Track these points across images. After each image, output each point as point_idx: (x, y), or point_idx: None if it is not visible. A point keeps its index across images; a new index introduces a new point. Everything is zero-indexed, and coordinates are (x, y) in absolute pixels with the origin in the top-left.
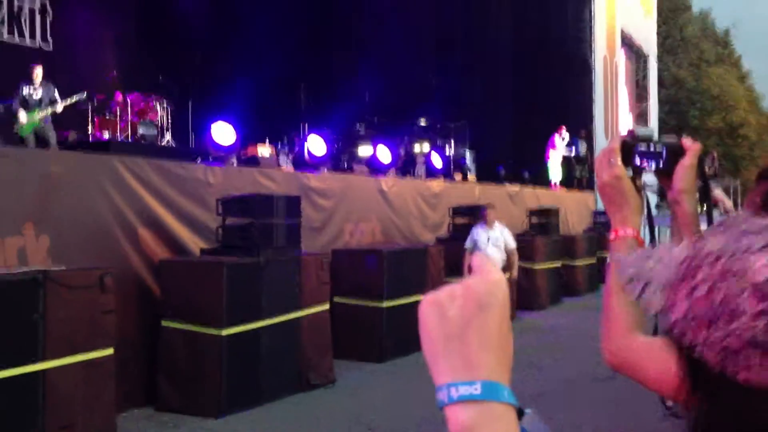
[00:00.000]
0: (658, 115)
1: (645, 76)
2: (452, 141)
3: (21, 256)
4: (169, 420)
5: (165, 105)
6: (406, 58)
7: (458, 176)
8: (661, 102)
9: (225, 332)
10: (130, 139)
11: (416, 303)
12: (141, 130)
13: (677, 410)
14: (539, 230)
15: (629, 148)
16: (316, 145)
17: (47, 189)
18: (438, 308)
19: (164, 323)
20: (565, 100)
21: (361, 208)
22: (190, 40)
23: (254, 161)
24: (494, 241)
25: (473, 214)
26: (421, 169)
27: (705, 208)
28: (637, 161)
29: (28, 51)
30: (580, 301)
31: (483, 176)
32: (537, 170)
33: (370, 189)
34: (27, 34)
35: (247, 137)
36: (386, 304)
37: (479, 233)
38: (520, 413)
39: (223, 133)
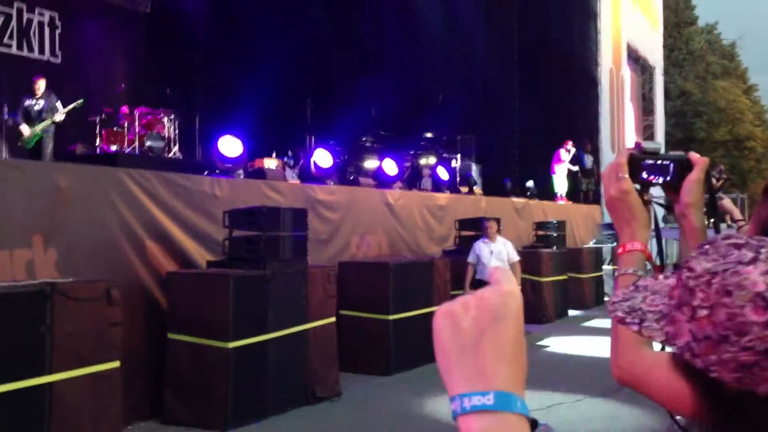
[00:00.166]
0: (665, 127)
1: (651, 89)
2: (458, 154)
3: (29, 269)
4: None
5: (172, 118)
6: (412, 72)
7: (464, 189)
8: (668, 114)
9: (231, 345)
10: (137, 152)
11: (423, 316)
12: (148, 143)
13: (685, 424)
14: (546, 243)
15: (636, 162)
16: (322, 158)
17: (55, 201)
18: (452, 319)
19: (170, 336)
20: (571, 113)
21: (368, 220)
22: (198, 54)
23: (261, 174)
24: (497, 255)
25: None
26: (427, 182)
27: (712, 222)
28: (645, 175)
29: (37, 64)
30: (587, 314)
31: (489, 189)
32: (543, 184)
33: (376, 202)
34: (36, 47)
35: (254, 150)
36: (393, 316)
37: (481, 247)
38: (534, 424)
39: (230, 146)
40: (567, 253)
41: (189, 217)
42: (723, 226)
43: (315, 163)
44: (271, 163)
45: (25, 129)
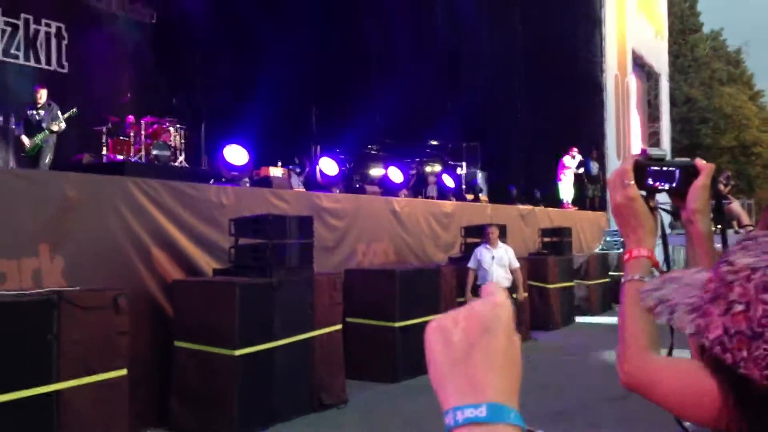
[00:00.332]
0: (671, 134)
1: (657, 96)
2: (464, 161)
3: (36, 277)
4: None
5: (178, 127)
6: (417, 80)
7: (470, 196)
8: (673, 121)
9: (238, 352)
10: (143, 161)
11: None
12: (154, 152)
13: (693, 430)
14: (552, 250)
15: (642, 168)
16: (327, 166)
17: (62, 210)
18: (442, 333)
19: (177, 343)
20: (577, 120)
21: (374, 228)
22: (203, 63)
23: (266, 182)
24: (498, 261)
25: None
26: (432, 189)
27: (719, 228)
28: (650, 182)
29: (44, 74)
30: (594, 320)
31: (495, 196)
32: (549, 190)
33: (382, 209)
34: (43, 57)
35: (260, 159)
36: (399, 324)
37: (483, 253)
38: None
39: (235, 154)
40: (573, 260)
41: (195, 226)
42: (730, 232)
43: (320, 171)
44: (276, 171)
45: (25, 139)
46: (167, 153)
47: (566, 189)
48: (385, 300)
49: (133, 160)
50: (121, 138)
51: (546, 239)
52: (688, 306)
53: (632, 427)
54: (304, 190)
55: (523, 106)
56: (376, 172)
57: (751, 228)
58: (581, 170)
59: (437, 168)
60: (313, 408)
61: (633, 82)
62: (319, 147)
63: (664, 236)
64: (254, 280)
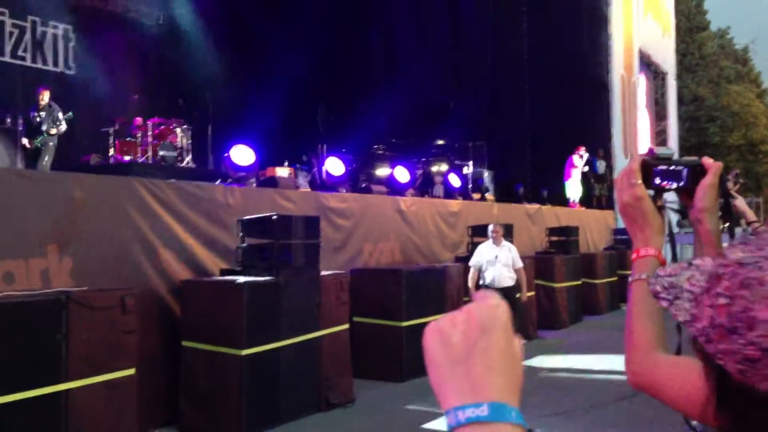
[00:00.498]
0: (678, 132)
1: (664, 95)
2: (470, 161)
3: (44, 278)
4: None
5: (185, 128)
6: (423, 79)
7: (476, 196)
8: (681, 119)
9: (245, 352)
10: (150, 162)
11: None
12: (161, 153)
13: (701, 429)
14: (559, 249)
15: (649, 168)
16: (334, 166)
17: (70, 211)
18: (441, 335)
19: (185, 343)
20: (583, 119)
21: (380, 227)
22: (209, 63)
23: (273, 182)
24: (501, 260)
25: None
26: (439, 189)
27: (727, 226)
28: (658, 181)
29: (52, 76)
30: (601, 319)
31: (501, 195)
32: (555, 189)
33: (388, 209)
34: (50, 59)
35: (266, 159)
36: (406, 323)
37: (486, 251)
38: None
39: (242, 155)
40: (581, 259)
41: (202, 226)
42: (738, 230)
43: (327, 171)
44: (283, 171)
45: (26, 141)
46: (174, 154)
47: (574, 188)
48: (392, 299)
49: (140, 160)
50: (129, 139)
51: (553, 238)
52: (691, 294)
53: (640, 426)
54: (310, 189)
55: (529, 105)
56: (382, 171)
57: (758, 225)
58: (587, 169)
59: (444, 167)
60: (320, 407)
61: (642, 82)
62: (325, 147)
63: (671, 235)
64: (261, 280)
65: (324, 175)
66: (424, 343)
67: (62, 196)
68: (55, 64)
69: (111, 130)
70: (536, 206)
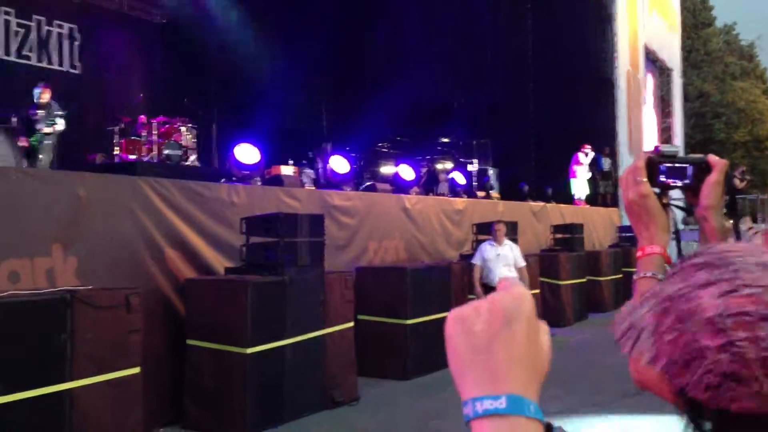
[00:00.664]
0: (684, 129)
1: (669, 91)
2: (475, 159)
3: (49, 277)
4: None
5: (189, 126)
6: (428, 77)
7: (481, 194)
8: (686, 116)
9: (249, 350)
10: (155, 161)
11: (441, 320)
12: (166, 152)
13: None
14: (564, 246)
15: (654, 165)
16: (338, 164)
17: (75, 210)
18: (463, 323)
19: (189, 342)
20: (588, 116)
21: (385, 225)
22: (214, 62)
23: (278, 181)
24: (503, 258)
25: None
26: (443, 187)
27: (732, 223)
28: (663, 178)
29: (57, 75)
30: (607, 317)
31: (506, 193)
32: (560, 187)
33: (393, 207)
34: (56, 59)
35: (271, 158)
36: (410, 321)
37: (488, 249)
38: (549, 429)
39: (246, 153)
40: (585, 256)
41: (207, 225)
42: (743, 227)
43: (332, 170)
44: (287, 169)
45: (23, 140)
46: (179, 152)
47: (579, 185)
48: (397, 297)
49: (145, 159)
50: (133, 138)
51: (558, 236)
52: (649, 332)
53: (646, 426)
54: (314, 188)
55: (534, 102)
56: (387, 169)
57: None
58: (592, 166)
59: (448, 165)
60: (325, 405)
61: (649, 79)
62: (330, 145)
63: (677, 233)
64: (266, 279)
65: (329, 174)
66: (446, 331)
67: (67, 195)
68: (60, 63)
69: (116, 129)
70: (541, 204)
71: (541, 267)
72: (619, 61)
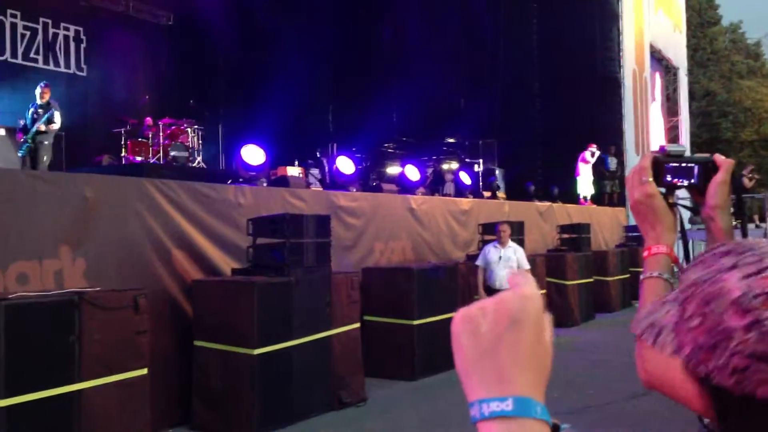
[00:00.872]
0: (690, 128)
1: (675, 90)
2: (481, 159)
3: (58, 278)
4: None
5: (196, 128)
6: (433, 78)
7: (487, 194)
8: (693, 115)
9: (256, 351)
10: (162, 162)
11: (447, 321)
12: (173, 153)
13: (714, 427)
14: (570, 246)
15: (660, 165)
16: (344, 165)
17: (82, 212)
18: (470, 324)
19: (197, 343)
20: (594, 115)
21: (391, 226)
22: (220, 64)
23: (284, 181)
24: (506, 261)
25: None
26: (449, 187)
27: (739, 223)
28: (669, 178)
29: (64, 77)
30: (614, 317)
31: (512, 193)
32: (566, 187)
33: (399, 207)
34: (62, 61)
35: (277, 159)
36: (417, 321)
37: (491, 251)
38: (556, 429)
39: (252, 154)
40: (592, 256)
41: (213, 226)
42: (751, 226)
43: (337, 170)
44: (293, 170)
45: (19, 135)
46: (185, 154)
47: (585, 185)
48: (403, 298)
49: (151, 161)
50: (140, 139)
51: (564, 235)
52: (670, 326)
53: (653, 424)
54: (320, 188)
55: (540, 102)
56: (392, 170)
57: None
58: (598, 165)
59: (454, 165)
60: (333, 406)
61: (657, 79)
62: (336, 146)
63: (683, 232)
64: (272, 280)
65: (335, 174)
66: (453, 330)
67: (75, 197)
68: (67, 65)
69: (122, 131)
70: (547, 204)
71: (548, 267)
72: (625, 60)
